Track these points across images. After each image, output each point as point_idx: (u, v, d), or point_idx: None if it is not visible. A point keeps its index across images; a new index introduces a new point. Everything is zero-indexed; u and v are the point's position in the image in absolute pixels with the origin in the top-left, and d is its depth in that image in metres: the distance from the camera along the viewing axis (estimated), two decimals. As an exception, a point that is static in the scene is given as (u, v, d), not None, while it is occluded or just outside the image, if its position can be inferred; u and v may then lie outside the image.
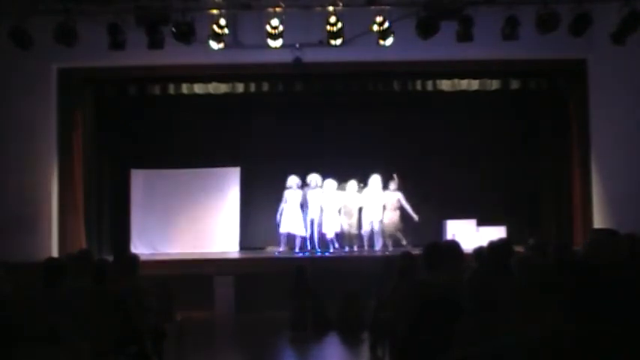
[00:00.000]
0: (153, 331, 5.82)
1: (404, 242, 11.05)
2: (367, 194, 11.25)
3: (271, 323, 9.34)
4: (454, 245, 4.58)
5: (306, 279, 9.22)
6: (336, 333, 8.66)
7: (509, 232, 11.16)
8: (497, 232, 10.42)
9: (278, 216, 11.26)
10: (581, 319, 2.44)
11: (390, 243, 11.22)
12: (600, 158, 10.89)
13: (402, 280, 5.13)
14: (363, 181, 11.33)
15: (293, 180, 11.27)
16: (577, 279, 2.53)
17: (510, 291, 3.39)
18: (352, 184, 11.31)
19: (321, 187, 11.28)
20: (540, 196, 12.17)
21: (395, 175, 11.25)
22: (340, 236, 11.29)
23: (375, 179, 11.24)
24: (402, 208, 11.22)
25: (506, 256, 4.57)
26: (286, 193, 11.26)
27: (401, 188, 11.27)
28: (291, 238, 11.35)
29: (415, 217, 11.16)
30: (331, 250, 11.15)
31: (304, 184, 11.33)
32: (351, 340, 8.32)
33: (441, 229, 11.59)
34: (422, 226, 11.26)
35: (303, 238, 11.28)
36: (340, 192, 11.29)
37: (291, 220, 11.18)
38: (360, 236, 11.36)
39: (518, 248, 6.25)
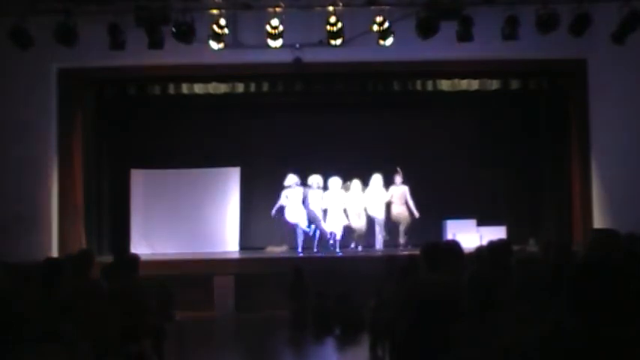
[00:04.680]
0: (153, 331, 5.82)
1: (403, 235, 11.04)
2: (369, 193, 11.23)
3: (271, 323, 9.35)
4: (454, 245, 4.57)
5: (304, 279, 9.22)
6: (336, 333, 8.65)
7: (509, 232, 11.16)
8: (497, 232, 10.41)
9: (273, 211, 11.23)
10: (581, 319, 2.44)
11: (386, 237, 11.20)
12: (600, 158, 10.89)
13: (402, 280, 5.13)
14: (349, 180, 11.30)
15: (292, 179, 11.24)
16: (577, 279, 2.53)
17: (510, 291, 3.39)
18: (356, 184, 11.29)
19: (322, 188, 11.25)
20: (540, 196, 12.16)
21: (398, 169, 11.25)
22: (345, 236, 11.25)
23: (377, 178, 11.23)
24: (407, 205, 11.22)
25: (506, 256, 4.58)
26: (286, 192, 11.23)
27: (405, 182, 11.27)
28: (293, 235, 11.32)
29: (416, 213, 11.15)
30: (337, 250, 11.11)
31: (305, 185, 11.29)
32: (350, 340, 8.31)
33: (441, 229, 11.59)
34: (422, 226, 11.26)
35: (305, 235, 11.24)
36: (344, 191, 11.25)
37: (294, 215, 11.16)
38: (363, 236, 11.34)
39: (518, 248, 6.25)
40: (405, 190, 11.23)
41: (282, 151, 12.21)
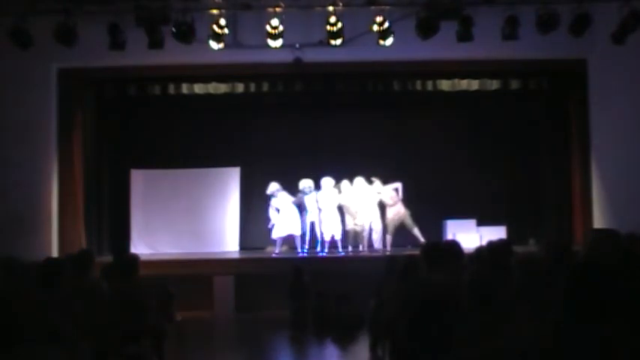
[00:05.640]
0: (153, 331, 5.82)
1: (416, 230, 11.04)
2: (364, 194, 11.20)
3: (271, 323, 9.35)
4: (454, 245, 4.58)
5: (304, 279, 9.22)
6: (336, 333, 8.65)
7: (509, 232, 11.16)
8: (497, 232, 10.41)
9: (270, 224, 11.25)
10: (581, 319, 2.44)
11: (390, 241, 11.19)
12: (600, 158, 10.89)
13: (402, 280, 5.13)
14: (340, 181, 11.27)
15: (274, 186, 11.17)
16: (577, 279, 2.53)
17: (510, 291, 3.40)
18: (344, 184, 11.24)
19: (314, 191, 11.19)
20: (540, 196, 12.16)
21: (372, 179, 11.21)
22: (345, 236, 11.24)
23: (358, 180, 11.18)
24: (402, 200, 11.18)
25: (506, 256, 4.58)
26: (272, 203, 11.17)
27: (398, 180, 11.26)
28: (289, 238, 11.32)
29: (398, 184, 11.12)
30: (339, 250, 11.10)
31: (298, 191, 11.23)
32: (350, 340, 8.31)
33: (441, 229, 11.58)
34: (422, 226, 11.25)
35: (302, 238, 11.24)
36: (334, 191, 11.22)
37: (285, 223, 11.13)
38: (362, 236, 11.32)
39: (518, 248, 6.26)
40: (389, 188, 11.19)
41: (282, 151, 12.20)
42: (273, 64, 10.61)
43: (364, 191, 11.18)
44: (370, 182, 11.22)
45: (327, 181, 11.18)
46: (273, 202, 11.19)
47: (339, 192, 11.20)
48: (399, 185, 11.23)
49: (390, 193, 11.21)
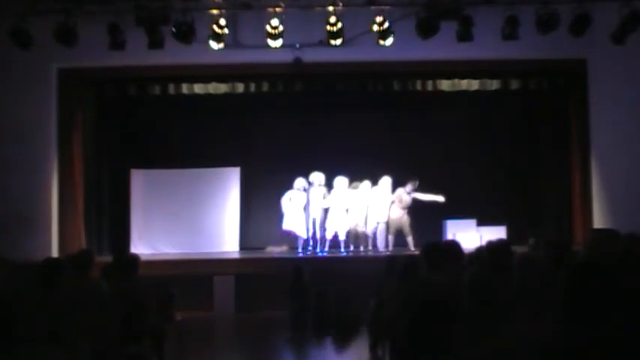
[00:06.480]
0: (153, 331, 5.82)
1: (409, 239, 11.04)
2: (375, 194, 11.20)
3: (271, 323, 9.35)
4: (454, 245, 4.58)
5: (304, 279, 9.22)
6: (336, 333, 8.66)
7: (509, 232, 11.14)
8: (497, 232, 10.40)
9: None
10: (581, 319, 2.44)
11: (392, 241, 11.19)
12: (600, 158, 10.89)
13: (402, 280, 5.13)
14: (358, 180, 11.28)
15: (300, 182, 11.21)
16: (577, 279, 2.53)
17: (510, 291, 3.40)
18: (365, 184, 11.25)
19: (323, 185, 11.22)
20: (540, 196, 12.16)
21: (417, 182, 11.19)
22: (348, 236, 11.24)
23: (385, 180, 11.20)
24: (410, 207, 11.18)
25: (506, 256, 4.58)
26: (290, 194, 11.20)
27: (417, 190, 11.22)
28: (292, 237, 11.33)
29: (441, 198, 11.06)
30: (342, 250, 11.10)
31: (309, 184, 11.27)
32: (350, 340, 8.32)
33: (441, 229, 11.58)
34: (422, 226, 11.25)
35: (305, 239, 11.25)
36: (348, 191, 11.21)
37: (294, 220, 11.16)
38: (366, 236, 11.32)
39: (518, 248, 6.25)
40: (411, 197, 11.19)
41: (282, 151, 12.20)
42: (273, 64, 10.61)
43: (381, 194, 11.16)
44: (404, 184, 11.16)
45: (340, 181, 11.16)
46: (290, 196, 11.19)
47: (353, 190, 11.18)
48: (433, 198, 11.12)
49: (407, 199, 11.17)
